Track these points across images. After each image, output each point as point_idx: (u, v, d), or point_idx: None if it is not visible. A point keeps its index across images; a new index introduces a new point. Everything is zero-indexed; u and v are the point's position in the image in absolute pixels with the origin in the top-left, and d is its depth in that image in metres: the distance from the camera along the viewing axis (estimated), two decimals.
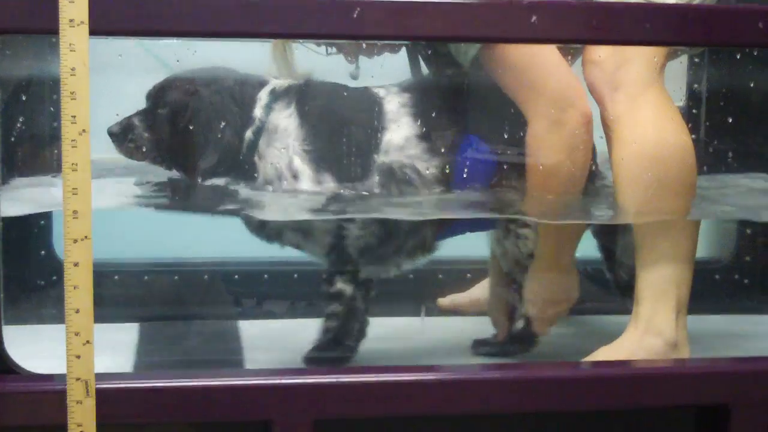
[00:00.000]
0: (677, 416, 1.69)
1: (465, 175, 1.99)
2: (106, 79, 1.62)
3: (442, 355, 2.16)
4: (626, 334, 1.95)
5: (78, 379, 1.36)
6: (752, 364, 1.73)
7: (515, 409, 1.59)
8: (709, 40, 1.68)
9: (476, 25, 1.50)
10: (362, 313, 2.04)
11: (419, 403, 1.54)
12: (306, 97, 1.99)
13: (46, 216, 2.43)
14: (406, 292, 2.17)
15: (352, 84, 2.06)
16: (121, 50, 1.85)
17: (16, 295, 2.10)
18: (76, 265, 1.34)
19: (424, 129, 1.98)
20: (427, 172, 1.97)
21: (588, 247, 2.23)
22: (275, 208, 1.99)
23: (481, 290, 2.38)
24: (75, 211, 1.33)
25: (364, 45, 2.05)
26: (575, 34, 1.57)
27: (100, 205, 1.89)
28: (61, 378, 1.37)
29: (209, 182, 1.97)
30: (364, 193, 1.96)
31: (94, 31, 1.33)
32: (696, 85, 2.52)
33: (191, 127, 1.96)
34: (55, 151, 1.90)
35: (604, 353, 1.92)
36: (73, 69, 1.32)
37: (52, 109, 2.11)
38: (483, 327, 2.24)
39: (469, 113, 2.02)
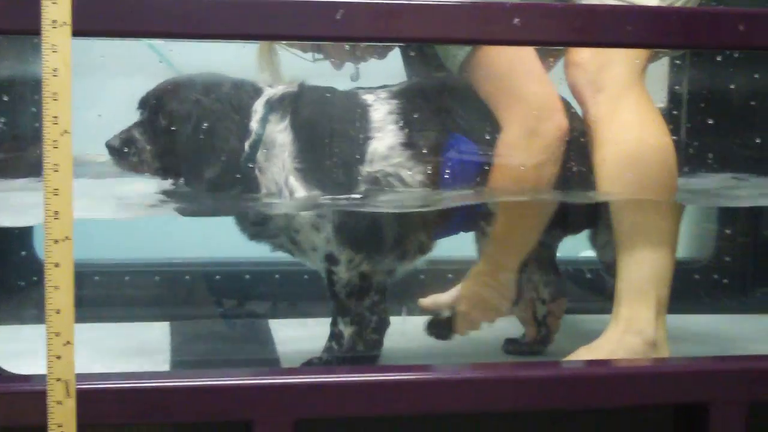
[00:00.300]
0: (656, 415, 1.70)
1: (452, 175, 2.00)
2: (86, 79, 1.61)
3: (472, 354, 2.18)
4: (606, 334, 1.96)
5: (58, 380, 1.35)
6: (731, 363, 1.75)
7: (495, 409, 1.60)
8: (691, 43, 1.70)
9: (459, 27, 1.50)
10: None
11: (400, 403, 1.54)
12: (300, 108, 1.96)
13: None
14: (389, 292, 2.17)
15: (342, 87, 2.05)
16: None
17: None
18: (57, 265, 1.34)
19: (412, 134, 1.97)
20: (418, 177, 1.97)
21: (567, 248, 2.25)
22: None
23: (462, 290, 2.38)
24: (56, 212, 1.33)
25: (347, 47, 2.05)
26: (557, 36, 1.57)
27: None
28: (41, 378, 1.37)
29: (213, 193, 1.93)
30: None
31: (77, 32, 1.33)
32: (677, 87, 2.53)
33: (196, 137, 1.91)
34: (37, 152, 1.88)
35: (585, 353, 1.92)
36: (55, 70, 1.32)
37: (33, 109, 2.10)
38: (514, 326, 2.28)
39: (460, 115, 2.01)
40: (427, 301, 2.23)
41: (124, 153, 1.91)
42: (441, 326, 2.13)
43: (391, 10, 1.47)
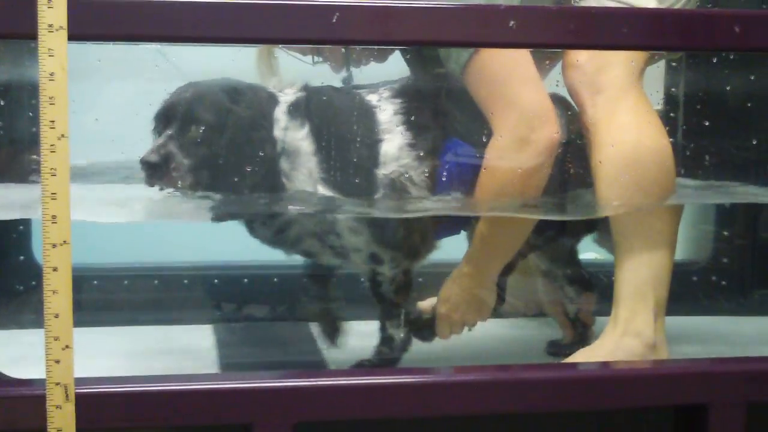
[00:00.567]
0: (656, 416, 1.70)
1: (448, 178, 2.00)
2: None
3: (517, 355, 2.20)
4: (605, 336, 1.96)
5: (57, 384, 1.35)
6: (730, 364, 1.75)
7: (495, 411, 1.60)
8: (686, 45, 1.70)
9: (455, 30, 1.50)
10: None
11: (399, 406, 1.54)
12: (317, 112, 1.94)
13: (26, 221, 2.42)
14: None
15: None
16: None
17: None
18: (55, 269, 1.34)
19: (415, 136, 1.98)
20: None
21: None
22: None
23: (442, 293, 2.38)
24: (54, 216, 1.33)
25: (342, 50, 2.05)
26: (553, 39, 1.57)
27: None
28: (40, 383, 1.37)
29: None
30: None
31: (73, 36, 1.33)
32: (673, 89, 2.53)
33: (234, 147, 1.86)
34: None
35: (584, 354, 1.93)
36: (51, 74, 1.32)
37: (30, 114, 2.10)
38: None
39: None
40: (425, 304, 2.23)
41: (163, 169, 1.82)
42: (423, 328, 2.13)
43: (386, 12, 1.47)
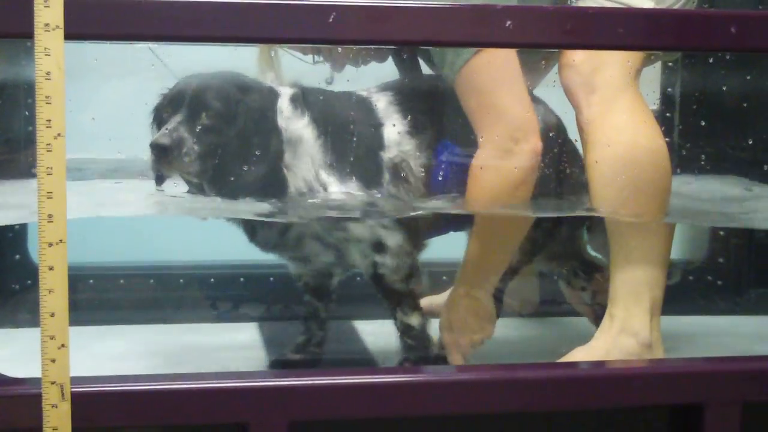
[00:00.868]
0: (651, 416, 1.70)
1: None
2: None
3: (512, 356, 2.20)
4: (601, 335, 1.96)
5: (53, 383, 1.35)
6: (725, 364, 1.75)
7: (490, 410, 1.60)
8: (682, 45, 1.70)
9: (451, 30, 1.50)
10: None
11: (394, 405, 1.54)
12: (317, 105, 1.95)
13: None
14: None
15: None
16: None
17: None
18: (51, 268, 1.34)
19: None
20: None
21: None
22: None
23: (442, 321, 2.38)
24: (50, 215, 1.33)
25: (339, 50, 2.05)
26: (550, 39, 1.57)
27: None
28: (36, 382, 1.37)
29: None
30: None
31: (69, 36, 1.33)
32: (669, 89, 2.54)
33: (242, 137, 1.86)
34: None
35: (579, 354, 1.93)
36: (48, 73, 1.32)
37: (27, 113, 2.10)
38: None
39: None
40: (423, 302, 2.23)
41: (174, 154, 1.79)
42: (438, 360, 2.11)
43: (383, 12, 1.47)
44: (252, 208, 1.89)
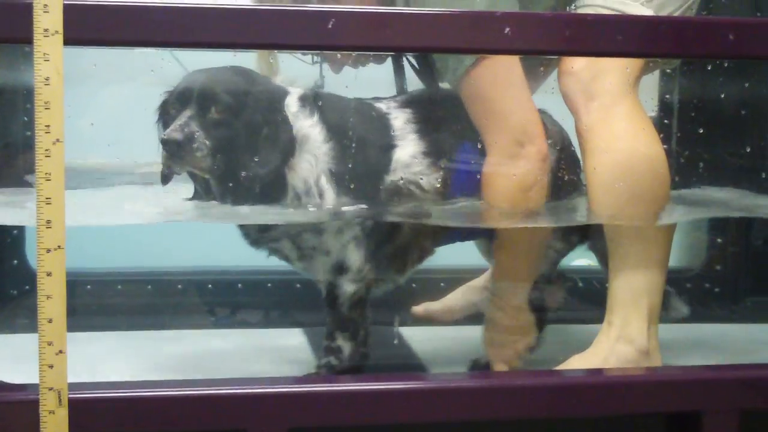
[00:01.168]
0: (649, 423, 1.71)
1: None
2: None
3: (544, 361, 2.17)
4: (598, 342, 1.96)
5: (51, 389, 1.35)
6: (723, 371, 1.75)
7: (488, 417, 1.60)
8: (681, 52, 1.70)
9: (450, 36, 1.50)
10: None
11: (394, 412, 1.54)
12: (325, 109, 1.94)
13: (20, 225, 2.42)
14: (380, 301, 2.17)
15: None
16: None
17: None
18: (49, 274, 1.33)
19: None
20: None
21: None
22: None
23: (454, 299, 2.39)
24: (48, 221, 1.33)
25: (342, 54, 2.05)
26: (548, 46, 1.58)
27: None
28: (33, 388, 1.37)
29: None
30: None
31: (69, 41, 1.33)
32: (667, 96, 2.54)
33: (251, 131, 1.84)
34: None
35: (577, 361, 1.93)
36: (47, 79, 1.32)
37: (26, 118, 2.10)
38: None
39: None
40: (419, 309, 2.24)
41: (186, 148, 1.78)
42: (483, 369, 2.12)
43: (382, 19, 1.47)
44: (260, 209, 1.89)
